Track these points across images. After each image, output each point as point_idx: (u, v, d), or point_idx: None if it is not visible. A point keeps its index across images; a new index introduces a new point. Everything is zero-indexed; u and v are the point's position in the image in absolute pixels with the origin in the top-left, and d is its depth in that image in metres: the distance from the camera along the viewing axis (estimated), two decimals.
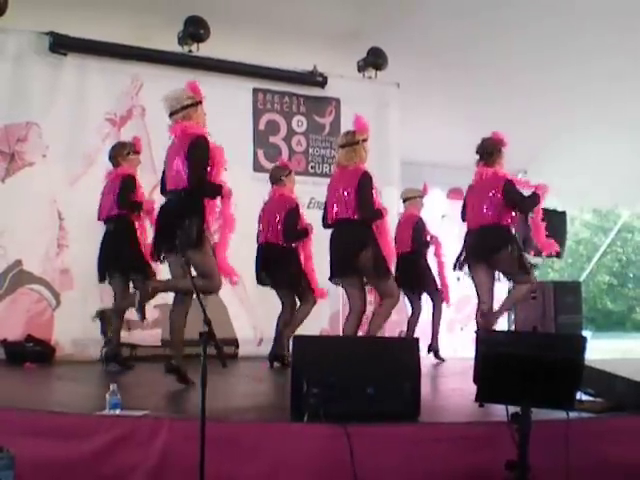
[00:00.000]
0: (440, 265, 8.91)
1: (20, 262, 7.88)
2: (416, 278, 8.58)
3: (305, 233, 7.52)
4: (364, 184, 6.41)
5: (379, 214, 6.53)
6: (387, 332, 9.18)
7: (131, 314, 7.62)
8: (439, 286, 8.80)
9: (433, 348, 8.78)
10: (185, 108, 5.76)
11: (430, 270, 8.79)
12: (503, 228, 6.68)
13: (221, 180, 5.74)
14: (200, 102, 5.84)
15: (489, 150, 6.82)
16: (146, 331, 7.45)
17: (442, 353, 8.86)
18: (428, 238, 8.76)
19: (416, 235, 8.63)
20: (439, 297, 8.79)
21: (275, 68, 9.26)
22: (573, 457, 3.75)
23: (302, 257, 7.60)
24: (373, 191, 6.49)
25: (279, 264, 7.50)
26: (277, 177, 7.78)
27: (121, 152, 7.28)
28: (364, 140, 6.60)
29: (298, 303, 7.61)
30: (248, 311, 8.81)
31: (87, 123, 8.35)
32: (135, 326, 7.99)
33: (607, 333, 21.85)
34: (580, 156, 10.89)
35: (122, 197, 7.04)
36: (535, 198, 6.76)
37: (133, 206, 7.05)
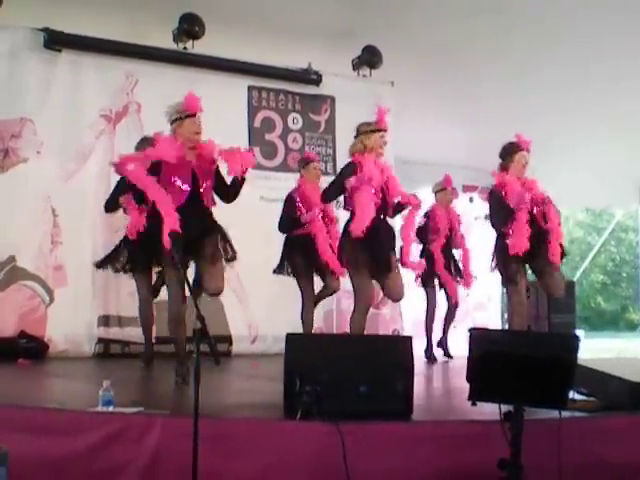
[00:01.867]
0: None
1: (14, 258, 7.87)
2: (426, 271, 8.54)
3: (297, 224, 7.36)
4: (340, 173, 6.44)
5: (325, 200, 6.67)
6: (381, 330, 9.22)
7: (125, 311, 7.65)
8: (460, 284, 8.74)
9: (442, 344, 8.68)
10: (172, 123, 5.75)
11: (448, 267, 8.59)
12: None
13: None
14: (188, 116, 5.67)
15: (505, 152, 6.72)
16: (140, 328, 7.43)
17: (435, 351, 8.76)
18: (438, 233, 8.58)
19: (423, 229, 8.59)
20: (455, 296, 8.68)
21: (270, 66, 9.27)
22: (565, 456, 3.75)
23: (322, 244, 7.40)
24: (347, 181, 6.20)
25: (289, 253, 7.50)
26: (298, 170, 7.88)
27: (143, 148, 7.22)
28: (372, 131, 6.37)
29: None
30: (244, 308, 8.80)
31: (81, 119, 8.34)
32: (128, 323, 8.00)
33: (600, 332, 21.86)
34: (574, 156, 10.92)
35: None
36: (505, 216, 6.46)
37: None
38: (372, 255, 6.20)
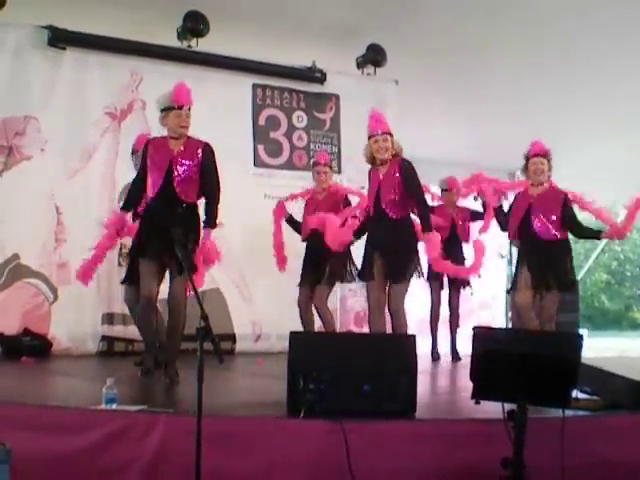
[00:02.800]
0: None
1: (17, 256, 7.86)
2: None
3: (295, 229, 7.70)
4: None
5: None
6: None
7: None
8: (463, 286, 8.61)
9: (453, 353, 8.57)
10: (161, 112, 5.79)
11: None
12: None
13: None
14: (174, 107, 5.70)
15: (524, 159, 6.76)
16: None
17: (440, 350, 8.65)
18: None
19: None
20: (456, 296, 8.61)
21: (274, 64, 9.25)
22: (569, 455, 3.75)
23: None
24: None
25: None
26: (302, 168, 8.29)
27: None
28: (370, 137, 6.40)
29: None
30: (248, 306, 8.79)
31: (86, 117, 8.33)
32: (132, 321, 7.99)
33: (604, 331, 21.86)
34: (578, 155, 10.89)
35: None
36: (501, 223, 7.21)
37: None
38: (375, 256, 6.27)
